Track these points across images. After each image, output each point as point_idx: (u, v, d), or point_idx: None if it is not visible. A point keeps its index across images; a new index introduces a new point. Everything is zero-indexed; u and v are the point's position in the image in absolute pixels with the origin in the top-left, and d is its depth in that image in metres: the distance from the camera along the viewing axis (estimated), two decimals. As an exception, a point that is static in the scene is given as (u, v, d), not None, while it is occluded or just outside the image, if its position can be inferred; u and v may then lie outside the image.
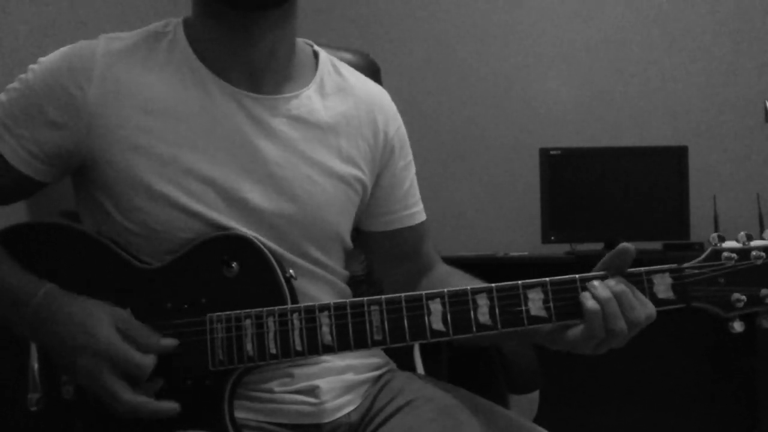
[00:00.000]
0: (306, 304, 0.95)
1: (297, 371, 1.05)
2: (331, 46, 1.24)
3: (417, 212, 1.19)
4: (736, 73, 3.10)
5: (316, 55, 1.14)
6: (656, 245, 2.83)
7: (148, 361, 0.93)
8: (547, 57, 3.22)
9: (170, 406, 0.94)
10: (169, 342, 0.95)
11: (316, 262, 1.08)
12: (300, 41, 1.13)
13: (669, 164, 2.90)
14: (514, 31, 3.25)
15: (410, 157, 1.20)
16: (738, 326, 0.90)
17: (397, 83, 1.21)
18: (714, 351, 2.98)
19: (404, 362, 1.24)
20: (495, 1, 3.26)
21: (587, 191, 2.92)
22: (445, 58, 3.28)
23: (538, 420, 1.05)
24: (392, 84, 1.19)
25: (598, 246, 2.85)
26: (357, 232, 1.16)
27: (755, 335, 2.68)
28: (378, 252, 1.18)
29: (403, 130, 1.19)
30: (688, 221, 2.84)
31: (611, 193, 2.90)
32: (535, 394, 1.48)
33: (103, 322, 0.93)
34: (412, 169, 1.20)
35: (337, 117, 1.10)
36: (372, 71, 1.47)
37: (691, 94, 3.13)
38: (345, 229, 1.11)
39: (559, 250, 2.88)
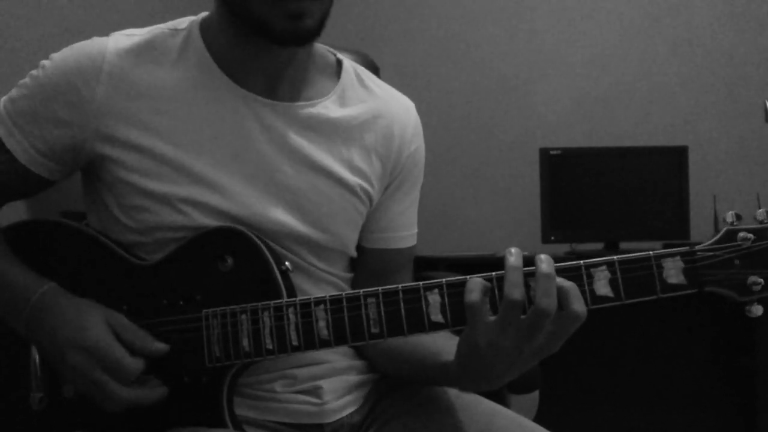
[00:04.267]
0: (302, 298, 0.93)
1: (300, 371, 1.04)
2: (331, 46, 1.24)
3: (408, 236, 1.15)
4: (736, 73, 3.10)
5: (339, 63, 1.11)
6: (656, 245, 2.83)
7: (136, 364, 0.93)
8: (548, 57, 3.22)
9: (160, 390, 0.95)
10: (161, 347, 0.95)
11: (318, 268, 1.06)
12: (321, 47, 1.10)
13: (669, 164, 2.89)
14: (514, 30, 3.25)
15: (419, 179, 1.16)
16: (756, 310, 0.83)
17: (396, 83, 1.20)
18: (714, 351, 2.98)
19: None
20: (495, 2, 3.26)
21: (587, 191, 2.91)
22: (444, 59, 3.27)
23: (538, 420, 1.05)
24: (391, 84, 1.18)
25: (598, 246, 2.85)
26: None
27: (755, 336, 2.69)
28: (358, 265, 1.14)
29: (422, 150, 1.16)
30: (688, 221, 2.84)
31: (611, 193, 2.90)
32: (535, 394, 1.48)
33: (94, 318, 0.93)
34: (416, 192, 1.16)
35: (351, 130, 1.07)
36: (371, 71, 1.46)
37: (691, 94, 3.13)
38: (350, 239, 1.09)
39: (559, 250, 2.87)
